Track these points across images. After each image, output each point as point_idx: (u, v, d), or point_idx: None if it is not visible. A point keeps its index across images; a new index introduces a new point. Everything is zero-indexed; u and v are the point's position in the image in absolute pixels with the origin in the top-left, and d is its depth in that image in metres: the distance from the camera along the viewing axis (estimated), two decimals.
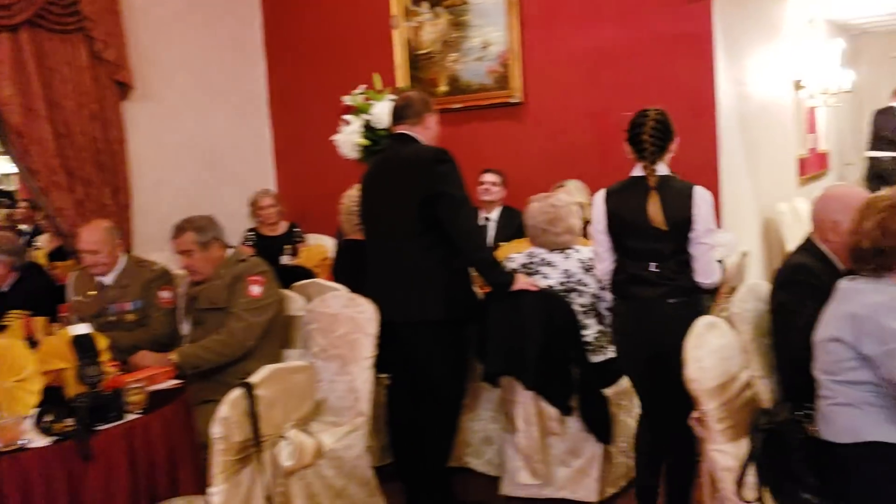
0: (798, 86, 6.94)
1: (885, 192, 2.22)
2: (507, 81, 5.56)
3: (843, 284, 2.20)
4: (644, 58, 5.17)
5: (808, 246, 2.76)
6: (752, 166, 5.67)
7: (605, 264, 3.04)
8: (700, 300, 3.01)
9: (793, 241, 5.62)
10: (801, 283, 2.58)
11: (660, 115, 2.99)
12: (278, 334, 3.38)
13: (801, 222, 6.00)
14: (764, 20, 6.32)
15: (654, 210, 2.89)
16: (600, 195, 3.09)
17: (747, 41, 5.77)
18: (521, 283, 3.17)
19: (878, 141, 8.08)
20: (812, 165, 7.45)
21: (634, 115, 3.04)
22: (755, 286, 2.88)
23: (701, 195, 2.93)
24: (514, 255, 3.48)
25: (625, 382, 3.40)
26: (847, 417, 2.12)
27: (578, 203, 4.61)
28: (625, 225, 2.98)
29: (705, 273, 2.93)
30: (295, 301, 3.51)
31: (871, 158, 8.12)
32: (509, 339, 3.15)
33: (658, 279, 2.91)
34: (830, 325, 2.15)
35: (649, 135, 2.94)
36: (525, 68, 5.53)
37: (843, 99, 8.10)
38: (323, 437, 2.84)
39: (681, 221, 2.89)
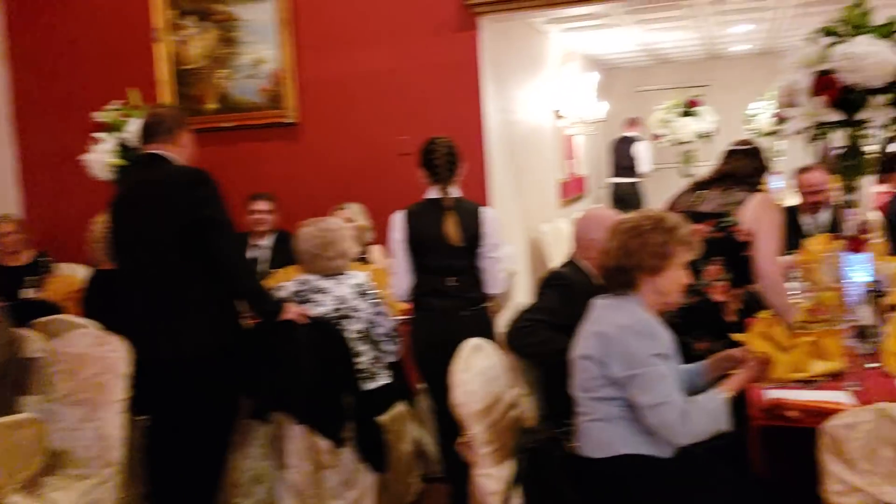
0: (558, 115, 7.42)
1: (631, 215, 2.38)
2: (280, 101, 5.43)
3: (596, 303, 2.32)
4: (417, 83, 5.27)
5: (569, 263, 2.98)
6: (517, 189, 5.96)
7: (405, 281, 3.30)
8: (488, 310, 3.35)
9: (555, 260, 5.97)
10: (554, 286, 2.76)
11: (449, 143, 3.36)
12: (11, 380, 2.97)
13: (562, 242, 6.40)
14: (527, 53, 6.70)
15: (452, 229, 3.21)
16: (400, 216, 3.32)
17: (512, 72, 6.08)
18: (291, 312, 3.05)
19: (617, 168, 8.95)
20: (571, 189, 8.00)
21: (426, 143, 3.36)
22: (519, 306, 2.99)
23: (490, 214, 3.36)
24: (284, 283, 3.35)
25: (400, 408, 3.38)
26: (601, 432, 2.22)
27: (359, 226, 4.58)
28: (425, 243, 3.25)
29: (494, 284, 3.33)
30: (34, 341, 3.11)
31: (613, 184, 8.97)
32: (279, 372, 3.01)
33: (455, 292, 3.24)
34: (584, 343, 2.25)
35: (443, 160, 3.28)
36: (300, 88, 5.43)
37: (598, 127, 8.83)
38: (63, 494, 2.52)
39: (473, 238, 3.26)
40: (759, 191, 3.11)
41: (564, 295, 2.70)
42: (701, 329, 3.02)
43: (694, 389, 2.24)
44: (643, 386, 2.10)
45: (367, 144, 5.36)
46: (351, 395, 3.09)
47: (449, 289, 3.25)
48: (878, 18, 2.82)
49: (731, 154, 3.24)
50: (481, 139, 5.21)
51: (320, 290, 3.25)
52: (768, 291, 2.96)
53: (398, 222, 3.32)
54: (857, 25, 2.89)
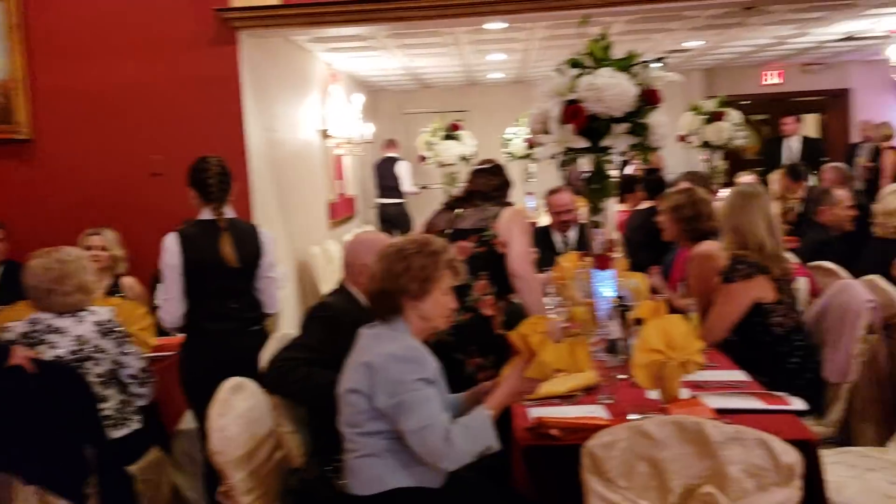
0: (325, 135, 7.34)
1: (397, 239, 2.33)
2: (10, 115, 4.88)
3: (363, 332, 2.24)
4: (173, 98, 5.00)
5: (339, 289, 2.87)
6: (284, 210, 5.80)
7: (178, 307, 3.17)
8: (266, 328, 3.34)
9: (326, 284, 5.86)
10: (319, 319, 2.65)
11: (221, 162, 3.30)
12: None
13: (333, 264, 6.30)
14: (292, 71, 6.57)
15: (229, 250, 3.16)
16: (173, 239, 3.19)
17: (276, 90, 5.92)
18: (19, 357, 2.66)
19: (383, 189, 9.08)
20: (341, 210, 7.94)
21: (197, 162, 3.29)
22: (286, 337, 2.84)
23: (266, 234, 3.36)
24: (12, 323, 2.92)
25: (154, 454, 3.07)
26: (370, 468, 2.12)
27: (113, 255, 4.13)
28: (202, 266, 3.15)
29: (272, 304, 3.35)
30: None
31: (380, 204, 9.08)
32: (4, 427, 2.61)
33: (236, 314, 3.21)
34: (350, 375, 2.16)
35: (216, 179, 3.22)
36: (34, 101, 4.92)
37: (366, 148, 8.87)
38: None
39: (251, 259, 3.25)
40: (509, 204, 3.27)
41: (330, 327, 2.58)
42: (473, 345, 3.07)
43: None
44: (407, 411, 2.04)
45: (116, 164, 4.98)
46: (94, 446, 2.74)
47: (229, 311, 3.21)
48: (618, 52, 3.04)
49: (476, 173, 3.41)
50: (244, 158, 5.02)
51: (56, 330, 2.87)
52: (523, 291, 3.10)
53: (172, 246, 3.17)
54: (599, 58, 3.09)
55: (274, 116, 5.79)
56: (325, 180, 7.35)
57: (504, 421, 2.31)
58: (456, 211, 3.29)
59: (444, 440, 2.04)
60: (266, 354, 2.74)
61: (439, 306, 2.23)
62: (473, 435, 2.09)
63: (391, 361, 2.08)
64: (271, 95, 5.75)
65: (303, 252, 6.23)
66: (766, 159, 8.96)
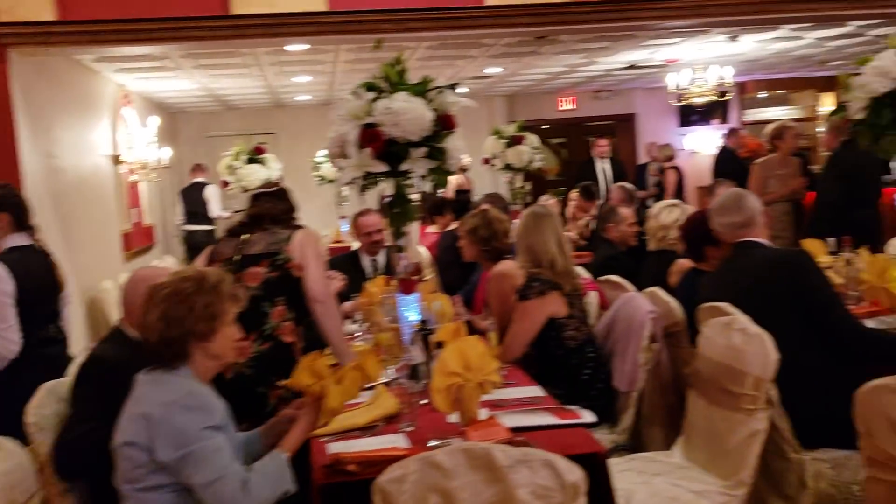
0: (117, 160, 6.88)
1: (165, 279, 2.12)
2: None
3: (140, 378, 2.04)
4: None
5: (115, 334, 2.62)
6: (70, 243, 5.35)
7: (20, 334, 3.07)
8: None
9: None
10: (91, 380, 2.40)
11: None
12: None
13: None
14: (76, 92, 6.12)
15: (61, 273, 3.25)
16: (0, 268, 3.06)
17: (58, 112, 5.49)
18: None
19: (190, 215, 8.62)
20: (137, 239, 7.45)
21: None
22: (58, 387, 2.56)
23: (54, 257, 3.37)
24: None
25: None
26: None
27: None
28: (34, 292, 3.12)
29: (68, 325, 3.41)
30: None
31: (187, 231, 8.61)
32: None
33: (60, 336, 3.30)
34: (125, 427, 1.96)
35: (26, 204, 3.25)
36: None
37: (165, 173, 8.40)
38: None
39: (62, 281, 3.31)
40: (300, 227, 3.14)
41: (107, 385, 2.28)
42: (274, 375, 2.91)
43: (255, 458, 2.10)
44: (197, 464, 1.89)
45: None
46: None
47: (55, 334, 3.27)
48: (421, 77, 3.06)
49: (258, 197, 3.24)
50: (18, 186, 4.55)
51: None
52: (323, 316, 2.94)
53: (2, 274, 3.06)
54: (395, 82, 3.09)
55: (54, 141, 5.33)
56: (117, 209, 6.87)
57: (303, 458, 2.21)
58: (242, 237, 3.10)
59: (241, 490, 1.91)
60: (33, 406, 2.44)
61: (228, 340, 2.09)
62: (271, 480, 1.99)
63: (173, 411, 1.92)
64: (51, 119, 5.31)
65: (93, 287, 5.76)
66: (580, 180, 9.44)
